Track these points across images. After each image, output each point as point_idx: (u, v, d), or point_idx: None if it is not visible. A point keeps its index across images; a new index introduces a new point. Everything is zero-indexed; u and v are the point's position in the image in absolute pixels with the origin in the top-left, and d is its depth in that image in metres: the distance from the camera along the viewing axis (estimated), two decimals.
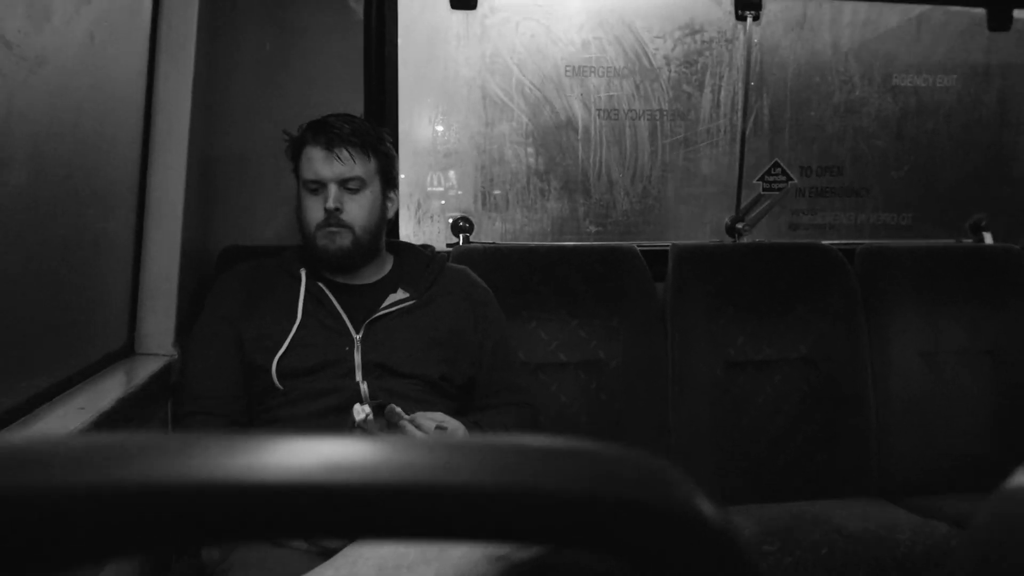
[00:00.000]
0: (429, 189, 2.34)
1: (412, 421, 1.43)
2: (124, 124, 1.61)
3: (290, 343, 1.56)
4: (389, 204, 1.68)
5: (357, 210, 1.60)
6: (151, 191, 1.68)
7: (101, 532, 0.27)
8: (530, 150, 2.36)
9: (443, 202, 2.34)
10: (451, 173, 2.34)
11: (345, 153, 1.58)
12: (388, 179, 1.67)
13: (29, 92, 1.18)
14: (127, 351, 1.65)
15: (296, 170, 1.65)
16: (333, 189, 1.58)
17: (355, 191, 1.60)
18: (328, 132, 1.59)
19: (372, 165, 1.62)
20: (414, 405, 1.55)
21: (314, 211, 1.60)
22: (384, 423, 1.51)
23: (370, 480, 0.26)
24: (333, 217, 1.58)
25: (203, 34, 1.70)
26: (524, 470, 0.26)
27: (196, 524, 0.27)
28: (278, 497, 0.27)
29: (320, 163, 1.59)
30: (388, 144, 1.68)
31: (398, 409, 1.44)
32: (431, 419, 1.46)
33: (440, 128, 2.34)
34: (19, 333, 1.25)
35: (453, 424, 1.50)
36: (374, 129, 1.66)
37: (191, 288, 1.79)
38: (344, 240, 1.59)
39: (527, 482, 0.26)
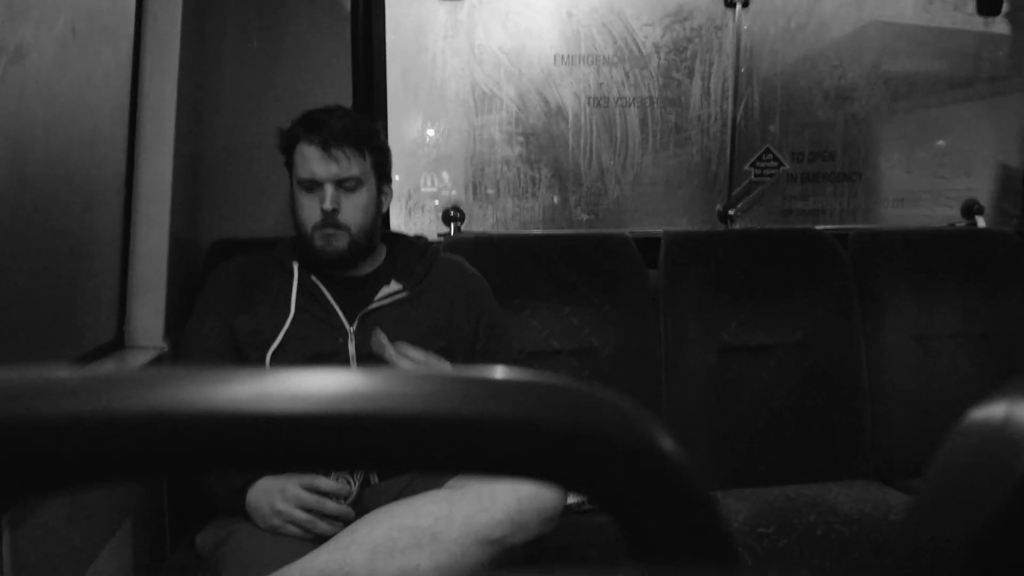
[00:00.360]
0: (424, 190, 2.33)
1: (398, 351, 1.47)
2: (110, 117, 1.60)
3: (284, 337, 1.55)
4: (384, 199, 1.68)
5: (353, 210, 1.59)
6: (139, 184, 1.68)
7: (90, 459, 0.28)
8: (520, 139, 2.35)
9: (436, 202, 2.33)
10: (444, 174, 2.33)
11: (341, 153, 1.57)
12: (382, 174, 1.66)
13: (9, 84, 1.18)
14: (117, 344, 1.65)
15: (289, 165, 1.63)
16: (330, 189, 1.57)
17: (351, 190, 1.59)
18: (323, 130, 1.57)
19: (367, 162, 1.61)
20: None
21: (310, 210, 1.59)
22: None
23: (332, 410, 0.26)
24: (330, 218, 1.57)
25: (189, 26, 1.69)
26: (488, 401, 0.26)
27: (176, 453, 0.27)
28: (256, 427, 0.28)
29: (315, 163, 1.57)
30: (382, 139, 1.67)
31: (383, 339, 1.47)
32: (413, 355, 1.48)
33: (429, 120, 2.33)
34: (8, 326, 1.25)
35: (416, 353, 1.50)
36: (368, 124, 1.65)
37: (181, 281, 1.78)
38: (341, 242, 1.59)
39: (490, 412, 0.26)
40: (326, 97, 2.03)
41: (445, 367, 1.51)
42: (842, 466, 2.08)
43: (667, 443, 0.27)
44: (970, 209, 2.57)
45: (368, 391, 0.27)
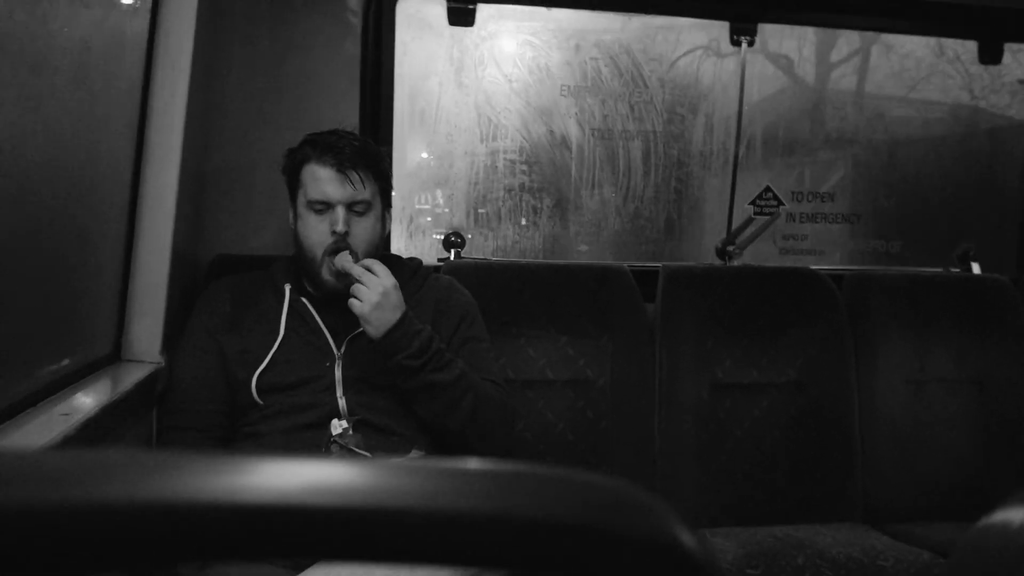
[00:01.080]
0: (417, 207, 2.34)
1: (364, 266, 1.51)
2: (118, 131, 1.60)
3: (271, 359, 1.56)
4: (387, 223, 1.68)
5: (362, 233, 1.59)
6: (143, 197, 1.68)
7: (76, 549, 0.27)
8: (523, 168, 2.37)
9: (429, 219, 2.34)
10: (445, 198, 2.34)
11: (355, 175, 1.57)
12: (387, 199, 1.67)
13: (24, 97, 1.18)
14: (114, 357, 1.64)
15: (294, 185, 1.63)
16: (341, 211, 1.56)
17: (361, 214, 1.59)
18: (337, 152, 1.57)
19: (376, 187, 1.61)
20: (391, 421, 1.55)
21: (319, 232, 1.57)
22: (360, 439, 1.51)
23: (342, 503, 0.26)
24: (341, 241, 1.56)
25: (200, 43, 1.70)
26: (502, 496, 0.26)
27: (164, 543, 0.27)
28: (254, 518, 0.27)
29: (329, 184, 1.57)
30: (388, 164, 1.68)
31: (348, 258, 1.52)
32: (378, 271, 1.50)
33: (433, 145, 2.34)
34: (5, 336, 1.24)
35: (381, 269, 1.52)
36: (377, 148, 1.65)
37: (180, 296, 1.78)
38: (348, 279, 1.58)
39: (504, 508, 0.26)
40: (333, 118, 2.05)
41: (389, 283, 1.51)
42: (831, 508, 2.08)
43: (687, 537, 0.27)
44: (965, 255, 2.59)
45: (365, 484, 0.27)
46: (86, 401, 1.36)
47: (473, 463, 0.28)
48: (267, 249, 1.98)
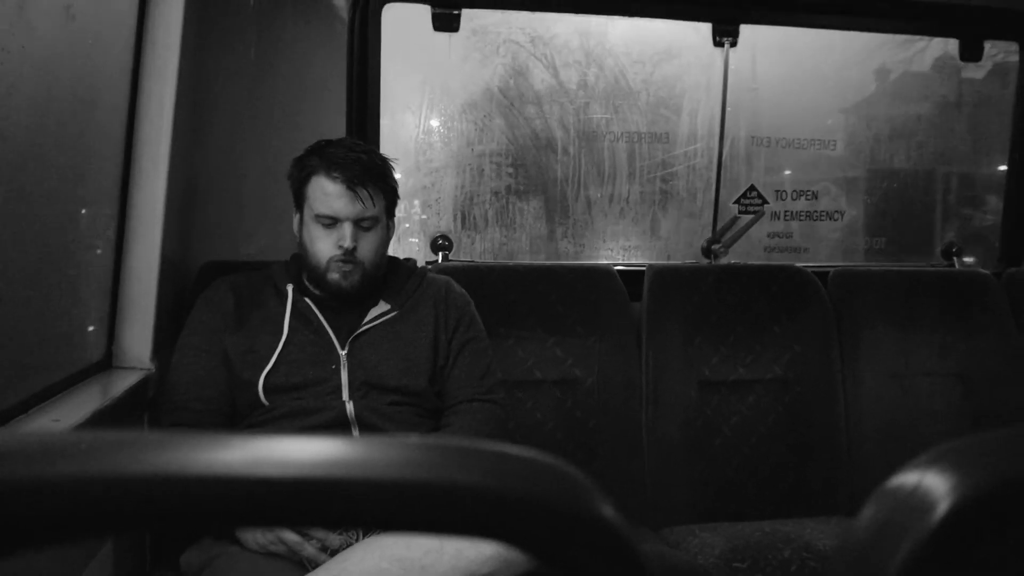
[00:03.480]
0: (411, 214, 2.37)
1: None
2: (106, 137, 1.62)
3: (276, 359, 1.57)
4: (391, 231, 1.71)
5: (369, 247, 1.61)
6: (132, 205, 1.69)
7: (83, 518, 0.30)
8: (509, 171, 2.40)
9: (407, 225, 2.36)
10: (416, 202, 2.37)
11: (365, 192, 1.58)
12: (391, 211, 1.69)
13: (8, 102, 1.20)
14: (105, 364, 1.66)
15: (300, 195, 1.64)
16: (349, 228, 1.58)
17: (368, 229, 1.61)
18: (347, 168, 1.58)
19: (384, 202, 1.63)
20: (397, 427, 1.57)
21: (326, 245, 1.60)
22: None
23: (308, 475, 0.29)
24: (348, 256, 1.58)
25: (187, 49, 1.72)
26: (446, 468, 0.29)
27: (160, 514, 0.30)
28: (242, 490, 0.30)
29: (337, 200, 1.58)
30: (395, 177, 1.69)
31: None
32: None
33: (419, 148, 2.37)
34: None
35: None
36: (384, 161, 1.66)
37: (170, 303, 1.80)
38: (355, 277, 1.60)
39: (449, 479, 0.29)
40: (320, 122, 2.07)
41: None
42: (818, 502, 2.11)
43: (606, 508, 0.30)
44: (948, 251, 2.63)
45: (335, 458, 0.30)
46: (78, 407, 1.38)
47: (424, 440, 0.31)
48: (257, 256, 2.00)
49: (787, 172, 2.59)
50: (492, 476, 0.29)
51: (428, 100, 2.35)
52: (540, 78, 2.39)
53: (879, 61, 2.63)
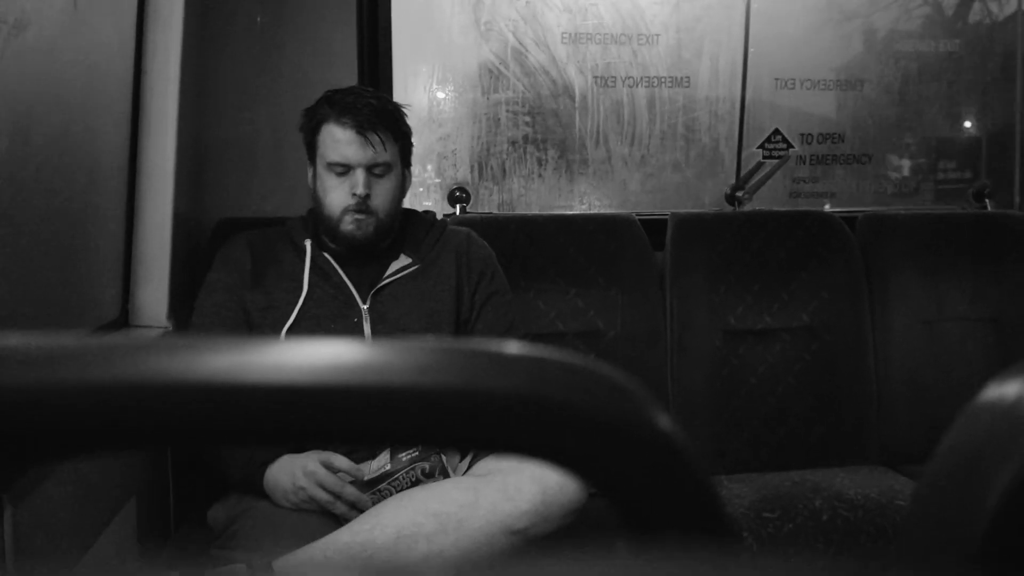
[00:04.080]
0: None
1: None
2: (113, 94, 1.59)
3: (298, 314, 1.55)
4: (406, 182, 1.67)
5: (383, 194, 1.58)
6: (142, 162, 1.67)
7: (106, 427, 0.28)
8: (527, 119, 2.34)
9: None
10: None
11: (376, 137, 1.55)
12: (406, 157, 1.65)
13: (9, 58, 1.17)
14: (121, 323, 1.64)
15: (312, 145, 1.60)
16: (361, 174, 1.55)
17: (381, 175, 1.57)
18: (357, 113, 1.54)
19: (396, 147, 1.60)
20: None
21: (339, 194, 1.57)
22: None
23: (323, 382, 0.26)
24: (361, 204, 1.55)
25: (192, 3, 1.67)
26: (486, 374, 0.26)
27: (186, 423, 0.28)
28: (266, 399, 0.28)
29: (348, 146, 1.55)
30: (408, 123, 1.65)
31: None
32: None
33: (434, 100, 2.31)
34: (12, 304, 1.24)
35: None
36: (397, 107, 1.62)
37: (185, 260, 1.78)
38: (369, 227, 1.57)
39: (486, 386, 0.26)
40: (331, 75, 2.02)
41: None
42: (848, 451, 2.07)
43: (665, 422, 0.26)
44: (980, 193, 2.55)
45: (365, 363, 0.26)
46: None
47: (469, 344, 0.28)
48: (272, 212, 1.97)
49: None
50: (541, 384, 0.25)
51: (440, 53, 2.29)
52: (556, 22, 2.32)
53: None
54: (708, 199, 2.45)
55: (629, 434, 0.26)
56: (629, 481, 0.25)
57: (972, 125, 2.62)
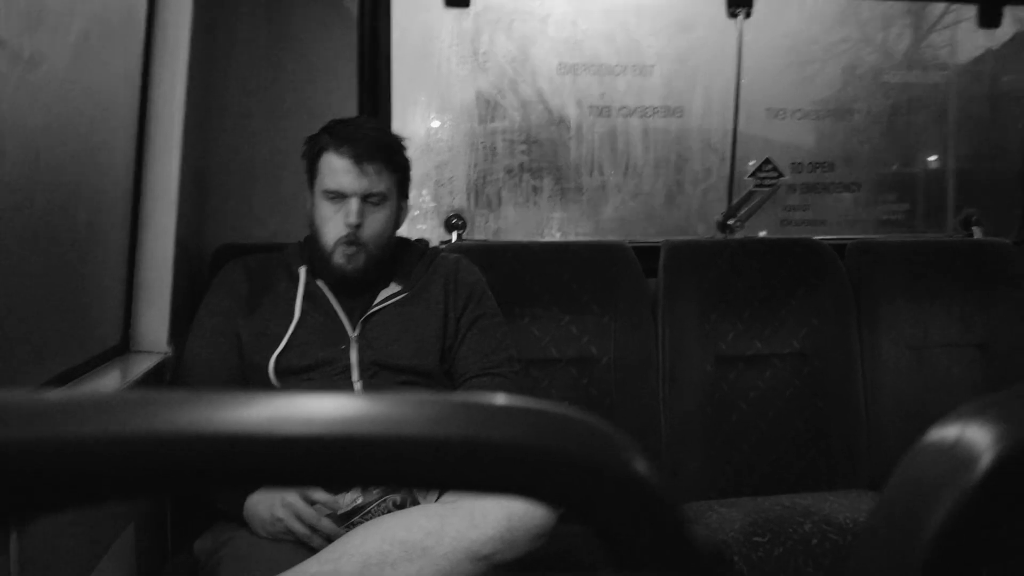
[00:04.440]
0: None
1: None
2: (119, 123, 1.62)
3: (287, 342, 1.58)
4: (402, 213, 1.70)
5: (375, 225, 1.60)
6: (146, 190, 1.69)
7: (99, 478, 0.30)
8: (522, 148, 2.38)
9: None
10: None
11: (371, 168, 1.57)
12: (403, 189, 1.68)
13: (23, 92, 1.20)
14: (122, 349, 1.66)
15: (312, 172, 1.64)
16: (355, 203, 1.57)
17: (376, 205, 1.60)
18: (355, 143, 1.57)
19: (392, 179, 1.62)
20: None
21: (333, 223, 1.59)
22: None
23: (324, 433, 0.29)
24: (352, 235, 1.58)
25: (197, 32, 1.71)
26: (473, 425, 0.29)
27: (173, 473, 0.29)
28: (254, 448, 0.30)
29: (344, 175, 1.57)
30: (406, 155, 1.68)
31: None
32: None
33: (432, 128, 2.35)
34: (13, 330, 1.27)
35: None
36: (395, 139, 1.65)
37: (185, 286, 1.80)
38: (359, 260, 1.60)
39: (475, 435, 0.28)
40: (332, 104, 2.06)
41: None
42: (837, 476, 2.10)
43: (640, 463, 0.29)
44: (967, 221, 2.59)
45: (355, 415, 0.29)
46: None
47: (457, 397, 0.31)
48: (270, 238, 2.00)
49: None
50: (525, 432, 0.28)
51: (438, 82, 2.33)
52: (552, 52, 2.37)
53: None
54: (701, 228, 2.49)
55: (608, 476, 0.28)
56: (609, 519, 0.28)
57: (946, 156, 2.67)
